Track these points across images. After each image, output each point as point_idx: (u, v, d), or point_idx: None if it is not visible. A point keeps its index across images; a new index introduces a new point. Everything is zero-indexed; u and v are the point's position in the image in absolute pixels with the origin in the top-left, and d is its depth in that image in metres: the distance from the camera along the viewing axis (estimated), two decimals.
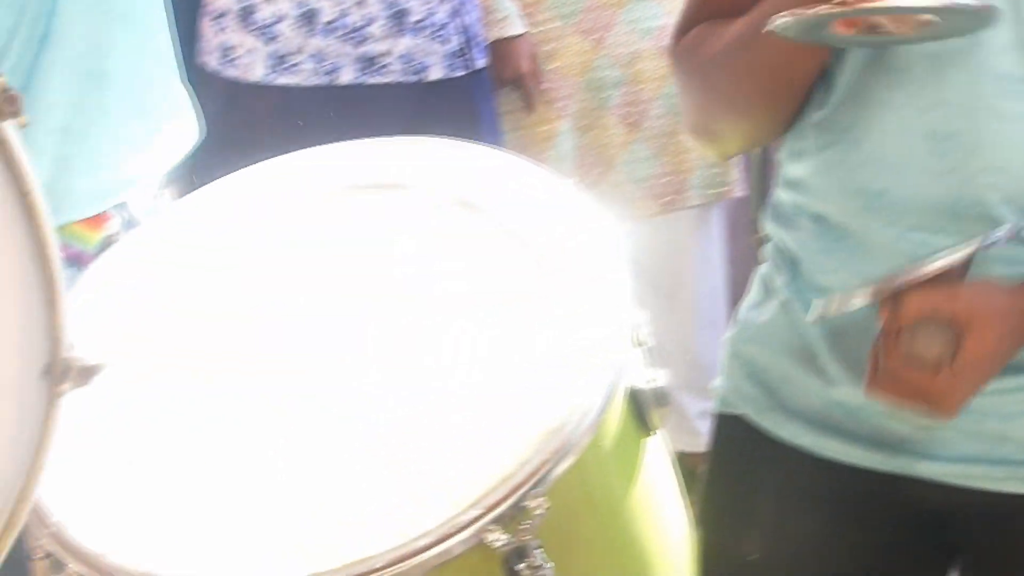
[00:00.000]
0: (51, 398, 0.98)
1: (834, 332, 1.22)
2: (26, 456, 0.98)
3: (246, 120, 2.19)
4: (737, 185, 2.76)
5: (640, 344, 1.25)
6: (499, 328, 1.23)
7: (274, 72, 2.22)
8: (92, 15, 1.51)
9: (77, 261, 1.54)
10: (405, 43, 2.24)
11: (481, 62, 2.34)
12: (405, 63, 2.24)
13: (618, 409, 1.21)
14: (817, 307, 1.14)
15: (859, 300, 1.10)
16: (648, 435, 1.26)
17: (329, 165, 1.45)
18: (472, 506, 1.08)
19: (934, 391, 1.09)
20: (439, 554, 1.07)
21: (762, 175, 2.68)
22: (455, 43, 2.27)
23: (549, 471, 1.11)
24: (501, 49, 2.52)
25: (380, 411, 1.20)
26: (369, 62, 2.23)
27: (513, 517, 1.09)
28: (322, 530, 1.10)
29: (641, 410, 1.24)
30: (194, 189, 1.70)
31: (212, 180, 1.62)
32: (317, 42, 2.21)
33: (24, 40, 1.48)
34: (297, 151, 1.51)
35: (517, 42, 2.53)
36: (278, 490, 1.15)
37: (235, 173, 1.48)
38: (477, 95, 2.33)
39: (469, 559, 1.09)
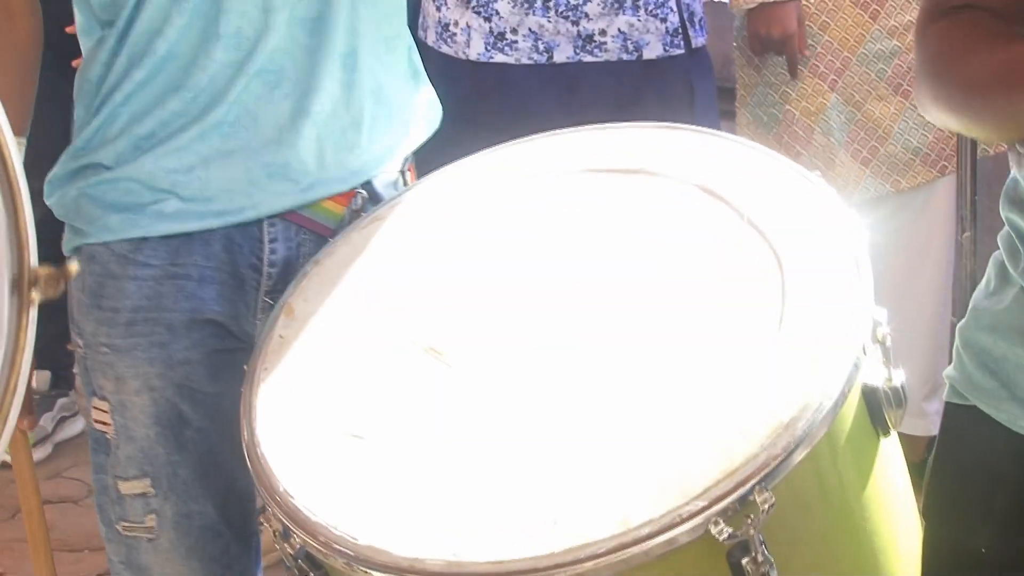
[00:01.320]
0: (21, 308, 0.99)
1: None
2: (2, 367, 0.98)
3: (463, 96, 2.18)
4: None
5: (878, 342, 1.22)
6: (735, 318, 1.22)
7: (492, 50, 2.22)
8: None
9: (322, 234, 1.57)
10: (622, 21, 2.21)
11: (700, 40, 2.30)
12: (622, 41, 2.21)
13: (853, 407, 1.19)
14: None
15: None
16: (884, 435, 1.24)
17: (575, 147, 1.46)
18: (697, 498, 1.08)
19: None
20: (662, 544, 1.07)
21: (972, 166, 2.59)
22: (673, 21, 2.24)
23: (777, 466, 1.10)
24: (768, 11, 2.53)
25: (608, 396, 1.19)
26: (586, 40, 2.21)
27: (738, 511, 1.08)
28: (545, 513, 1.10)
29: (877, 410, 1.22)
30: (414, 162, 1.72)
31: (428, 153, 1.65)
32: (535, 20, 2.20)
33: (294, 24, 1.50)
34: (513, 129, 1.52)
35: (786, 6, 2.54)
36: (500, 472, 1.15)
37: (479, 153, 1.50)
38: (695, 74, 2.29)
39: (693, 550, 1.08)
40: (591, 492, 1.11)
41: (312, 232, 1.57)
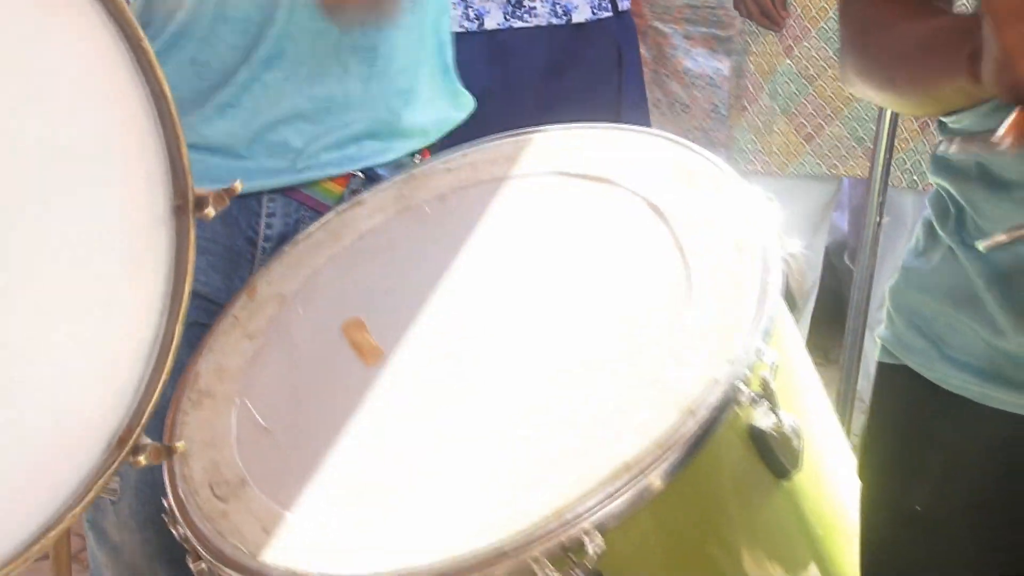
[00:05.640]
0: (188, 228, 1.07)
1: (1001, 280, 1.17)
2: (170, 285, 1.06)
3: None
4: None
5: (760, 386, 1.16)
6: (628, 348, 1.18)
7: None
8: None
9: (321, 212, 1.58)
10: None
11: (625, 4, 2.30)
12: (551, 5, 2.22)
13: (735, 450, 1.14)
14: (990, 236, 1.06)
15: None
16: (783, 478, 1.19)
17: (549, 149, 1.45)
18: (520, 534, 1.05)
19: None
20: None
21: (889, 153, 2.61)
22: None
23: (614, 509, 1.06)
24: None
25: (475, 421, 1.18)
26: (516, 5, 2.22)
27: (567, 552, 1.04)
28: (382, 536, 1.11)
29: (768, 453, 1.16)
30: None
31: None
32: None
33: (297, 10, 1.50)
34: None
35: None
36: (359, 488, 1.16)
37: (479, 145, 1.50)
38: (622, 38, 2.29)
39: None
40: (431, 520, 1.10)
41: (311, 210, 1.58)
